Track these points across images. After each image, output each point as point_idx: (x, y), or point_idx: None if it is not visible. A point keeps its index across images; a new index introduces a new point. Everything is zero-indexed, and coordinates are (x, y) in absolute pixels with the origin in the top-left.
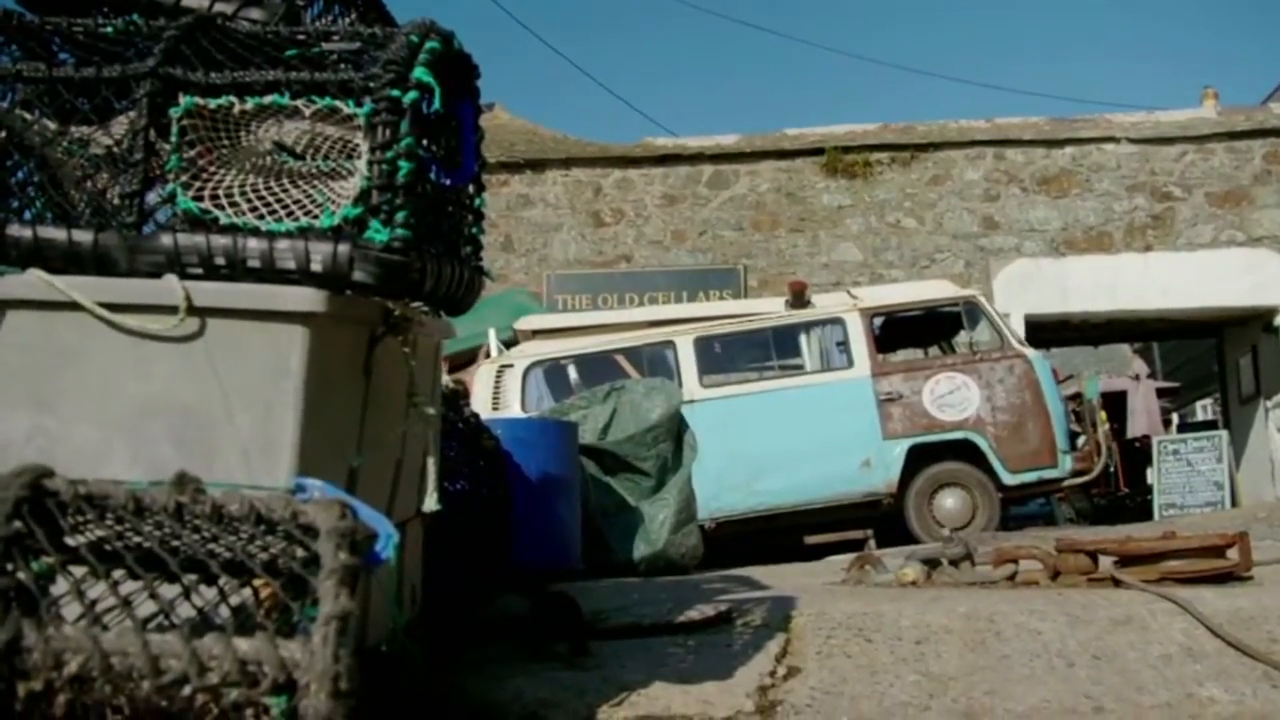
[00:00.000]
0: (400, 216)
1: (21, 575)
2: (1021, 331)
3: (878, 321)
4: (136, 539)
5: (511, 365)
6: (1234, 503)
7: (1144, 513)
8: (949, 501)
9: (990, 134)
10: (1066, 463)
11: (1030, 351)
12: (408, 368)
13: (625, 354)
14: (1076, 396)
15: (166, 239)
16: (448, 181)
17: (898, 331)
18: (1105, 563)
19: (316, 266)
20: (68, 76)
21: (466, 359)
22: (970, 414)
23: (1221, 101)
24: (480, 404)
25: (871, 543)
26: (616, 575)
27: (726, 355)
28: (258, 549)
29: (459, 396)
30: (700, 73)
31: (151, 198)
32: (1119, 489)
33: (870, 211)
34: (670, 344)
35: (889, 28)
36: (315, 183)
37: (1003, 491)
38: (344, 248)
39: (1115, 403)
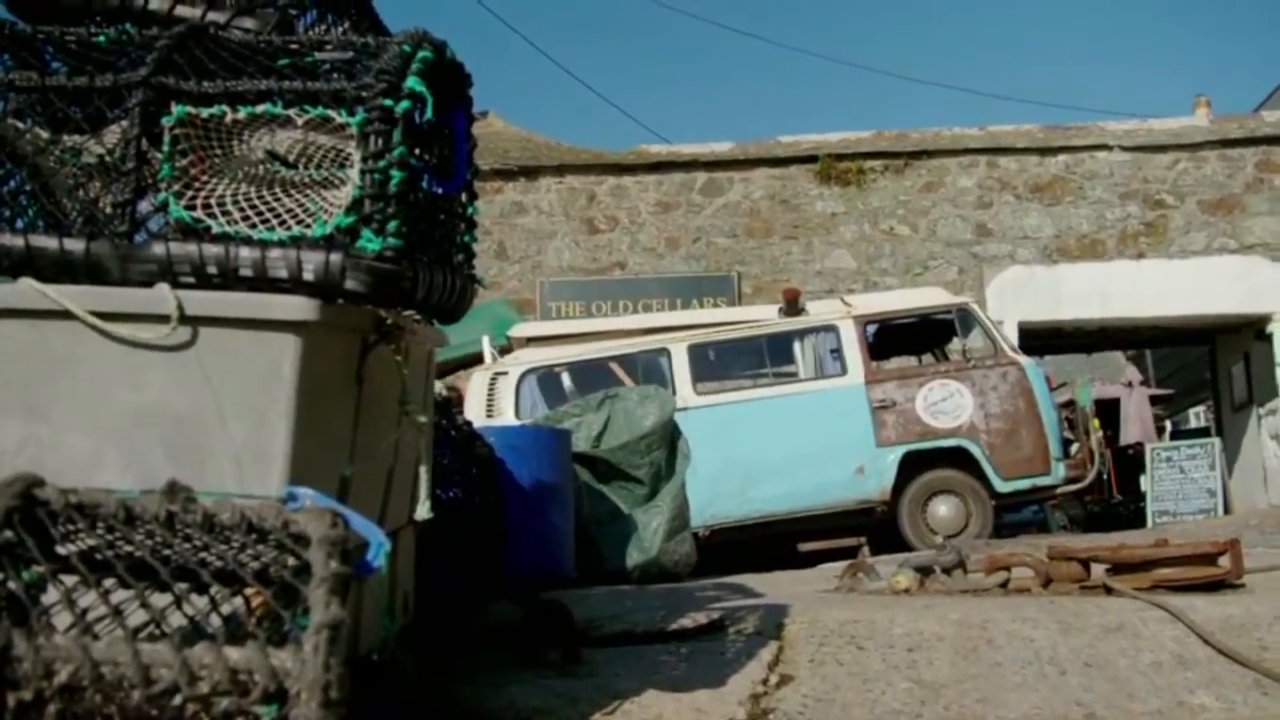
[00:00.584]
0: (392, 225)
1: (12, 584)
2: (1015, 338)
3: (871, 329)
4: (127, 548)
5: (506, 372)
6: (1227, 510)
7: (1137, 520)
8: (942, 509)
9: (983, 141)
10: (1060, 470)
11: (1023, 359)
12: (400, 376)
13: (619, 361)
14: (1070, 404)
15: (159, 248)
16: (440, 190)
17: (891, 339)
18: (1097, 570)
19: (309, 275)
20: (60, 85)
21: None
22: (964, 421)
23: (1214, 109)
24: (474, 411)
25: (865, 550)
26: (609, 583)
27: (720, 362)
28: (249, 558)
29: (452, 404)
30: (694, 80)
31: (144, 206)
32: (1112, 496)
33: (864, 219)
34: (664, 351)
35: (883, 35)
36: (308, 192)
37: (996, 499)
38: (336, 256)
39: (1108, 410)
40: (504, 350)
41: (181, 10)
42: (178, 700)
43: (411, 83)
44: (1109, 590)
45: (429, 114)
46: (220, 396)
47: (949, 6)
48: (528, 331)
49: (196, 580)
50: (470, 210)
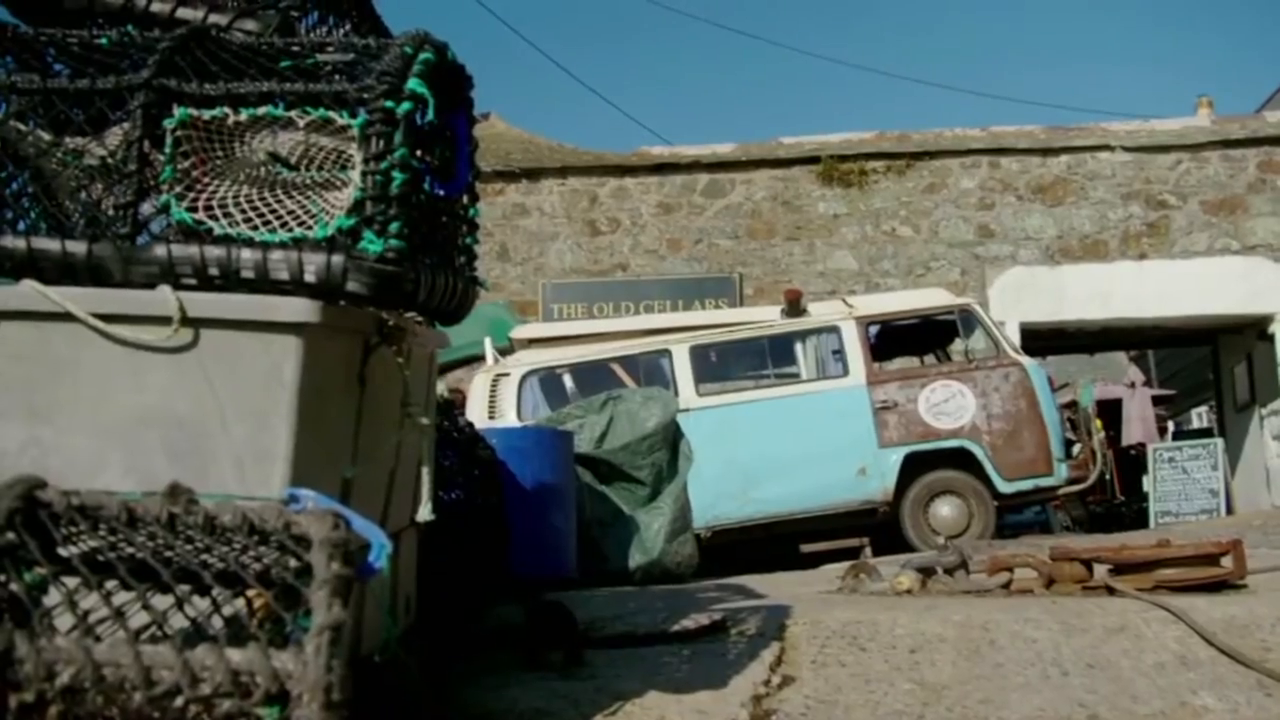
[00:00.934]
0: (394, 227)
1: (14, 586)
2: (1017, 339)
3: (873, 330)
4: (129, 550)
5: (508, 374)
6: (1229, 510)
7: (1140, 520)
8: (945, 509)
9: (986, 142)
10: (1062, 470)
11: (1026, 359)
12: (402, 377)
13: (621, 363)
14: (1072, 404)
15: (160, 250)
16: (441, 192)
17: (893, 340)
18: (1100, 571)
19: (310, 277)
20: (62, 88)
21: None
22: (966, 422)
23: (1216, 110)
24: (476, 413)
25: (867, 551)
26: (612, 584)
27: (722, 364)
28: (251, 559)
29: (454, 405)
30: (696, 81)
31: (146, 209)
32: (1115, 497)
33: (866, 220)
34: (666, 352)
35: (885, 36)
36: (309, 193)
37: (998, 499)
38: (338, 258)
39: (1111, 410)
40: (505, 352)
41: (183, 12)
42: (179, 702)
43: (413, 84)
44: (1111, 591)
45: (430, 115)
46: (222, 398)
47: (951, 7)
48: (529, 333)
49: (198, 582)
50: (472, 212)
